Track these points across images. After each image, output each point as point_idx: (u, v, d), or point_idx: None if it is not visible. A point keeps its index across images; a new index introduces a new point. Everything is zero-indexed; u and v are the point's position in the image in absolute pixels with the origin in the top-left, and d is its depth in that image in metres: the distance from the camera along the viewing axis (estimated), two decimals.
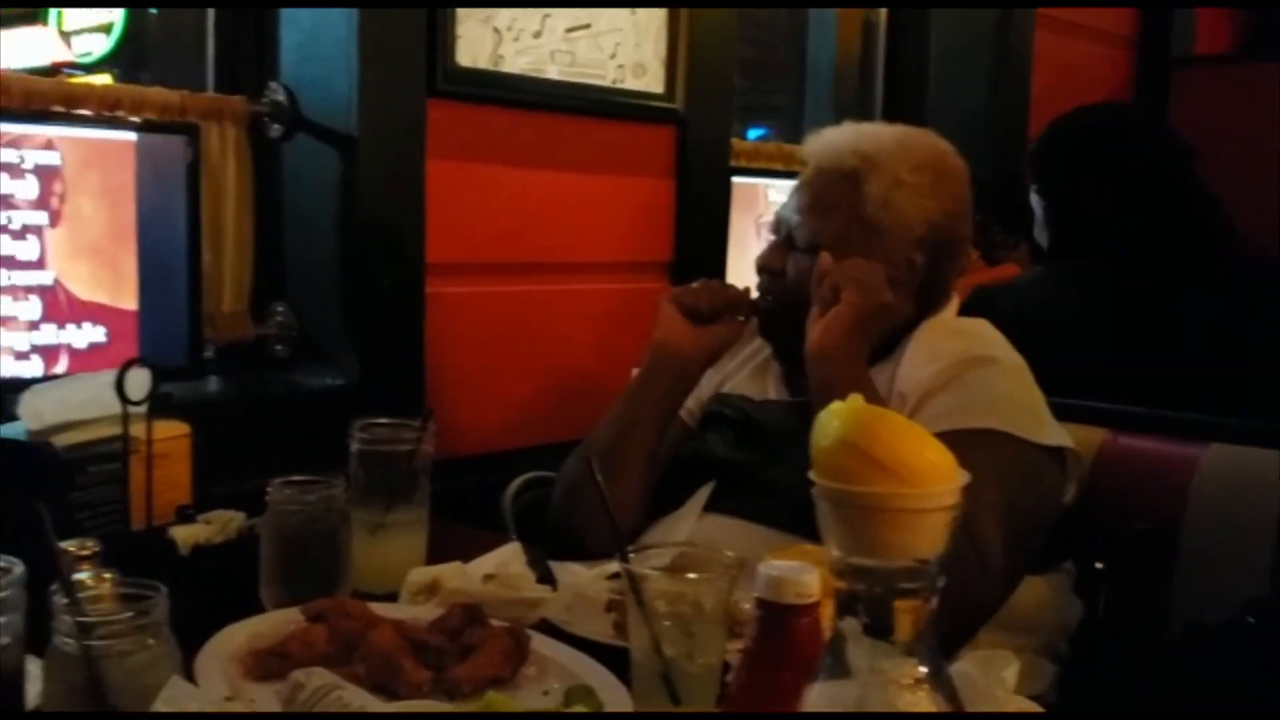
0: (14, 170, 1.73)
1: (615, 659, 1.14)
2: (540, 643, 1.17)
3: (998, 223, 2.95)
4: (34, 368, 1.78)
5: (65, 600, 0.91)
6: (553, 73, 2.29)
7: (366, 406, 1.96)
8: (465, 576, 1.34)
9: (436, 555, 1.46)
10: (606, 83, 2.37)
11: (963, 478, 0.67)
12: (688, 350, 1.64)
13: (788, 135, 3.38)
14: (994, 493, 1.36)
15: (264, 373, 2.17)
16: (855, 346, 1.51)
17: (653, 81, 2.45)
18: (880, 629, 0.67)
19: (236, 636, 1.17)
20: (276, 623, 1.19)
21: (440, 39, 2.11)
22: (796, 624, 0.80)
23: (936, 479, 0.65)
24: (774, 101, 3.93)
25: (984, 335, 1.64)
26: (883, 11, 3.58)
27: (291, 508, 1.32)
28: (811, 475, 0.67)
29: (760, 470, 1.55)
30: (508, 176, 2.26)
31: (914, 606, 0.66)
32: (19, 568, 0.85)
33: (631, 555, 1.08)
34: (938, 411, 1.47)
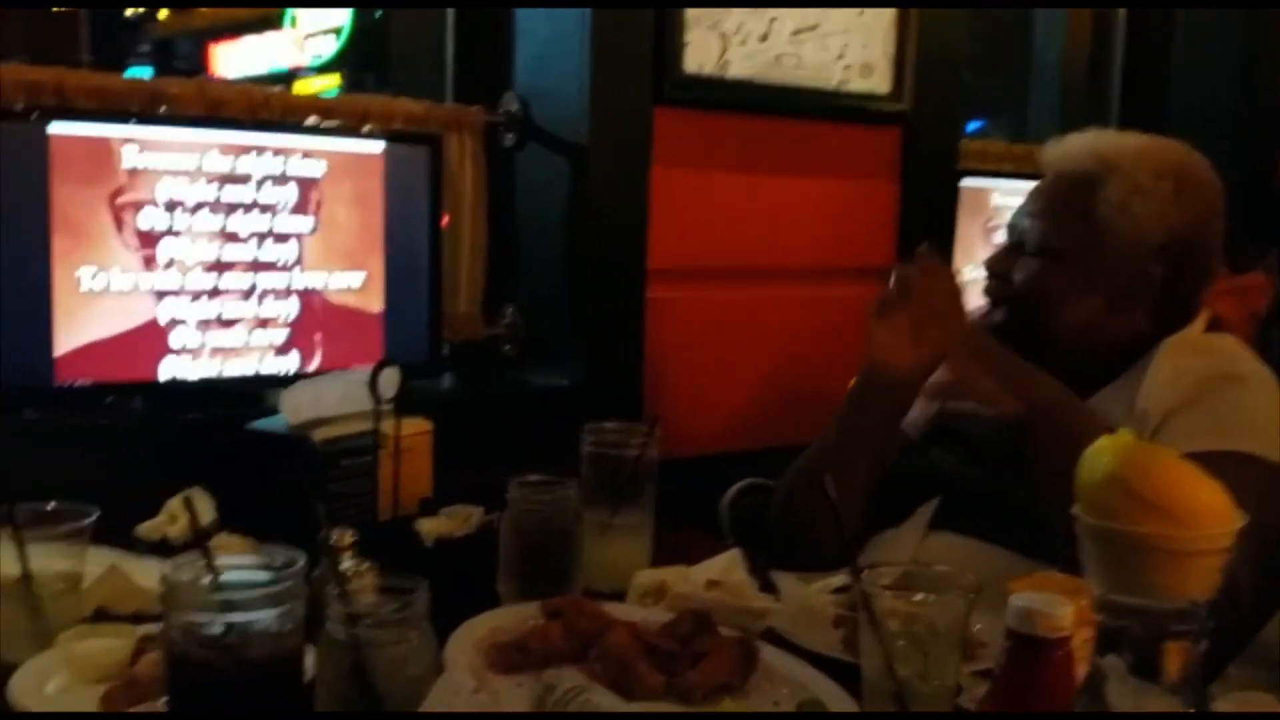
0: (278, 179, 1.86)
1: (841, 674, 1.15)
2: (768, 653, 1.18)
3: (1242, 229, 2.77)
4: (290, 364, 1.91)
5: (335, 590, 0.98)
6: (778, 76, 2.29)
7: (590, 407, 2.03)
8: (689, 581, 1.36)
9: (657, 557, 1.49)
10: (832, 84, 2.36)
11: (1239, 520, 0.64)
12: (902, 372, 1.57)
13: (1008, 130, 3.27)
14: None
15: (493, 371, 2.26)
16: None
17: (879, 82, 2.42)
18: (1146, 669, 0.65)
19: (479, 628, 1.23)
20: (516, 617, 1.25)
21: (668, 46, 2.14)
22: (1048, 657, 0.78)
23: (1212, 521, 0.63)
24: (993, 94, 3.81)
25: (1232, 351, 1.55)
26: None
27: (529, 506, 1.37)
28: (1075, 510, 0.66)
29: (993, 489, 1.51)
30: (729, 182, 2.28)
31: (1184, 648, 0.64)
32: (301, 559, 0.92)
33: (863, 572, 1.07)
34: (1182, 432, 1.40)
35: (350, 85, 7.21)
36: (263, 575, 0.91)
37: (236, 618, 0.88)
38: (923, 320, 1.54)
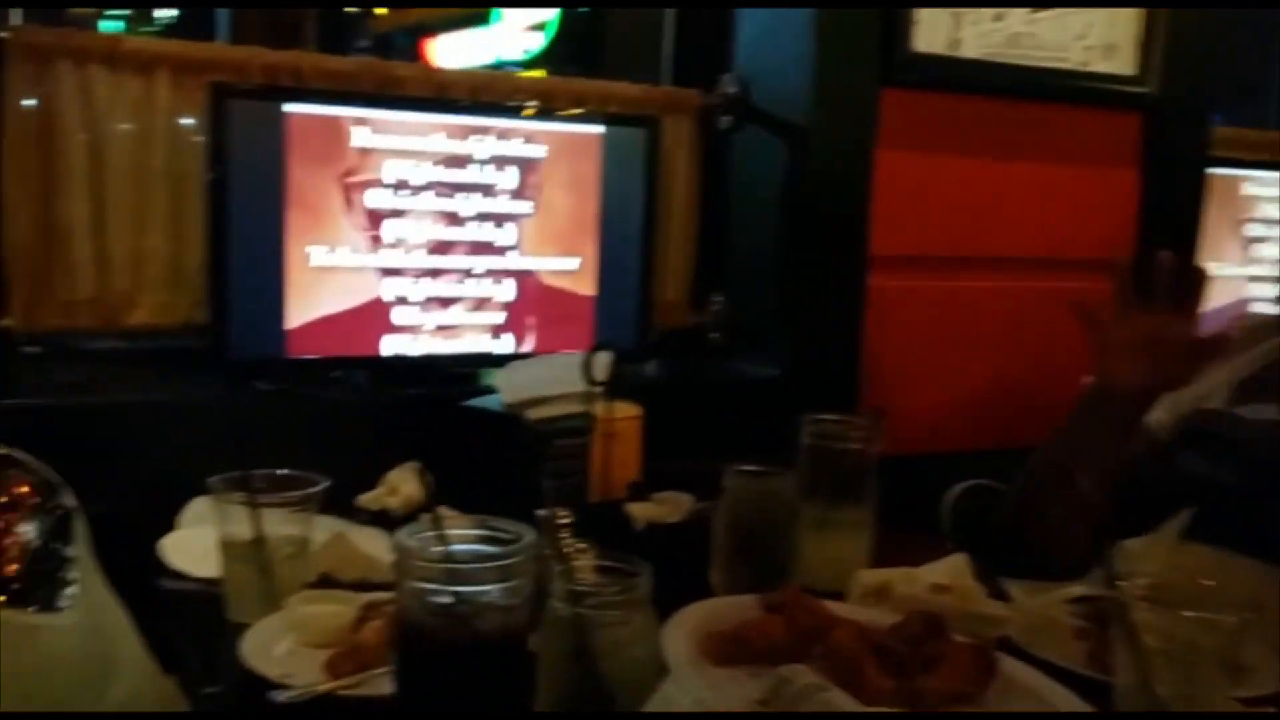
0: (499, 161, 1.87)
1: (1084, 689, 1.06)
2: (1006, 662, 1.10)
3: None
4: (505, 345, 1.92)
5: (559, 568, 0.96)
6: (1014, 56, 2.17)
7: (799, 398, 1.97)
8: (914, 583, 1.29)
9: (875, 556, 1.42)
10: (1071, 65, 2.22)
11: None
12: (1133, 393, 1.43)
13: (1254, 117, 3.02)
14: None
15: (699, 359, 2.23)
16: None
17: (1123, 63, 2.27)
18: None
19: (693, 617, 1.19)
20: (732, 608, 1.20)
21: (898, 25, 2.06)
22: None
23: None
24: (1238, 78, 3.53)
25: None
26: None
27: (745, 496, 1.32)
28: None
29: (1255, 497, 1.38)
30: (958, 166, 2.18)
31: None
32: (529, 535, 0.91)
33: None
34: None
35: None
36: (491, 549, 0.90)
37: (465, 589, 0.87)
38: (1156, 356, 1.39)
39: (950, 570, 1.31)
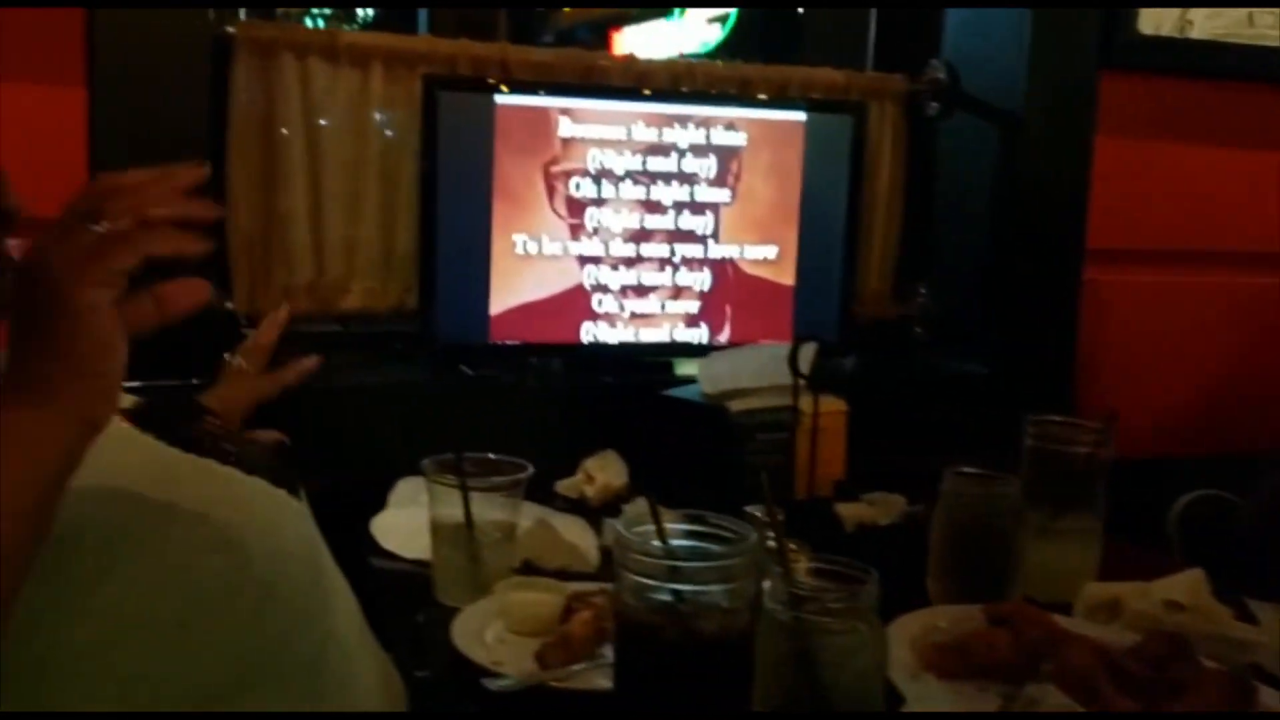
0: (699, 150, 1.85)
1: None
2: (1265, 693, 1.01)
3: None
4: (701, 334, 1.90)
5: (778, 570, 0.92)
6: (1249, 36, 2.01)
7: (1007, 398, 1.88)
8: (1148, 600, 1.21)
9: (1102, 568, 1.34)
10: None
11: None
12: None
13: None
14: None
15: (901, 353, 2.15)
16: None
17: None
18: None
19: (912, 625, 1.15)
20: (954, 618, 1.15)
21: (1120, 6, 1.94)
22: None
23: None
24: None
25: None
26: None
27: (966, 500, 1.26)
28: None
29: None
30: (1186, 154, 2.04)
31: None
32: (752, 536, 0.88)
33: None
34: None
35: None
36: (713, 547, 0.87)
37: (686, 588, 0.84)
38: None
39: (1187, 587, 1.22)
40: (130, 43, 1.57)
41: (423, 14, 5.87)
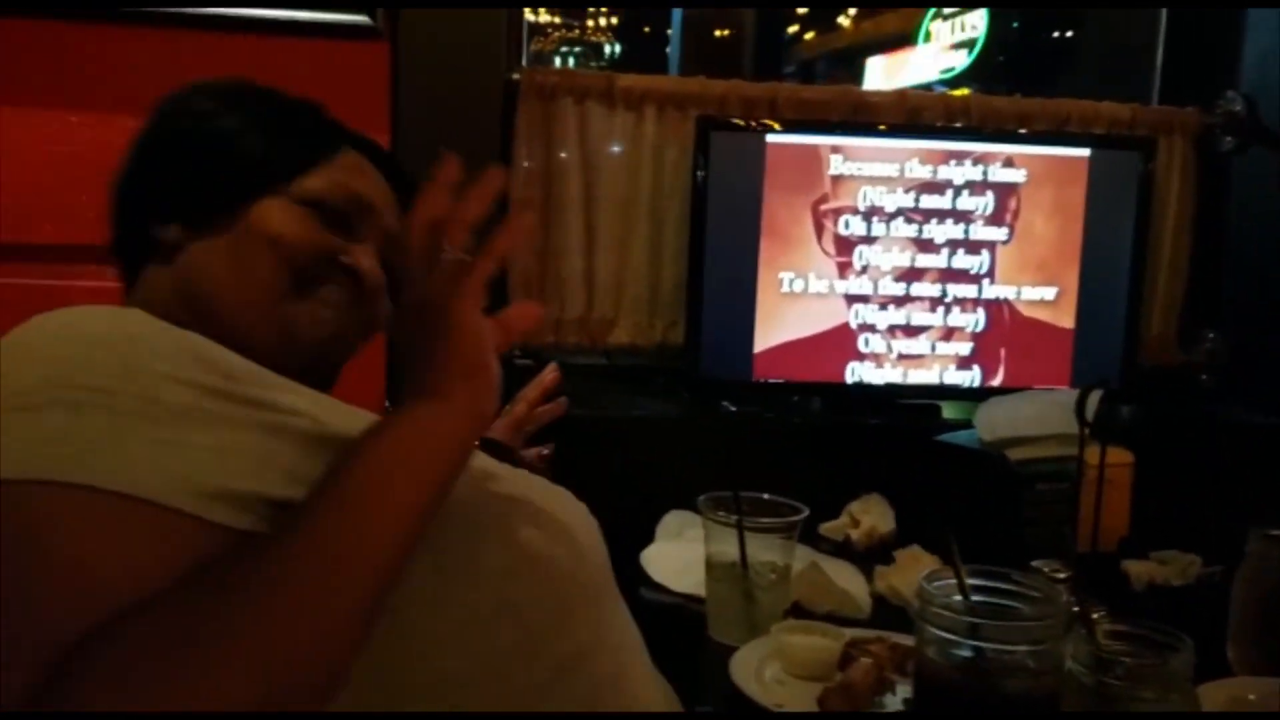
0: (975, 187, 1.80)
1: None
2: None
3: None
4: (973, 377, 1.84)
5: (1082, 630, 0.88)
6: None
7: None
8: None
9: None
10: None
11: None
12: None
13: None
14: None
15: (1188, 402, 2.03)
16: None
17: None
18: None
19: (1217, 695, 1.07)
20: (1262, 691, 1.07)
21: None
22: None
23: None
24: None
25: None
26: None
27: (1274, 564, 1.17)
28: None
29: None
30: None
31: None
32: (1060, 597, 0.84)
33: None
34: None
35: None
36: (1018, 606, 0.84)
37: (988, 646, 0.82)
38: None
39: None
40: (429, 90, 1.67)
41: (674, 51, 6.02)
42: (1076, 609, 0.92)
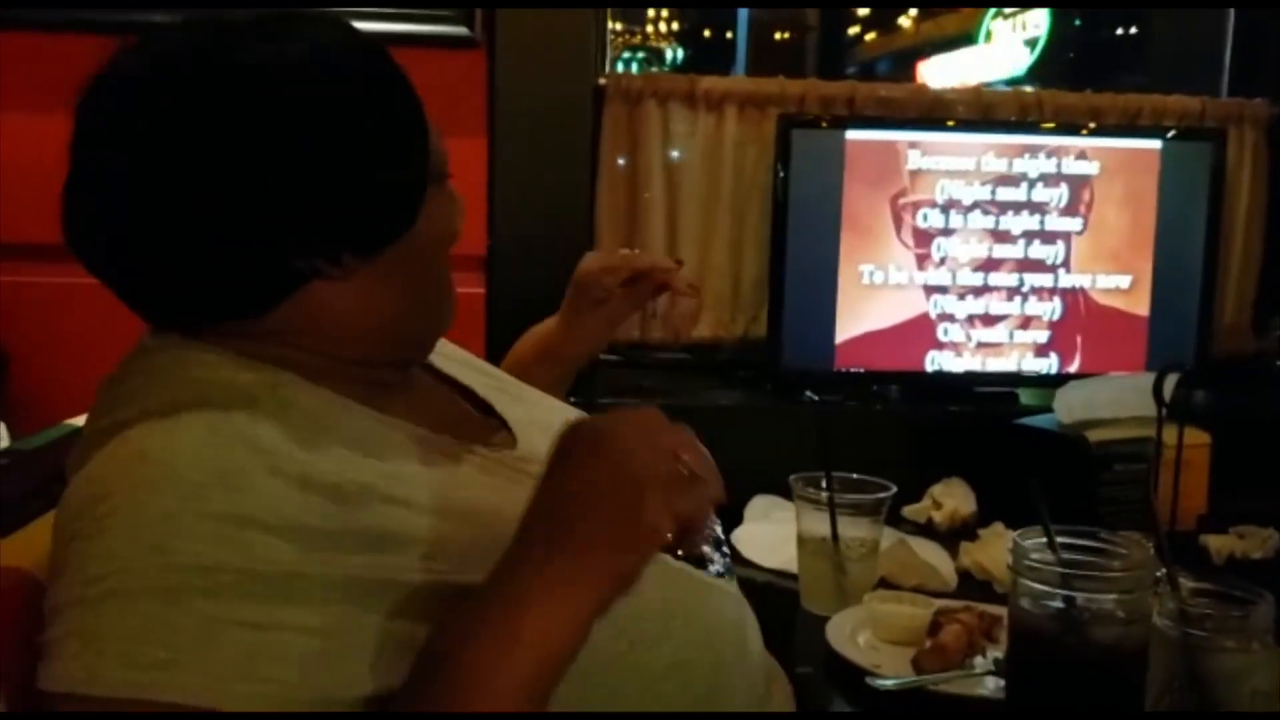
0: (1050, 179, 1.86)
1: None
2: None
3: None
4: (1049, 364, 1.89)
5: (1168, 586, 0.94)
6: None
7: None
8: None
9: None
10: None
11: None
12: None
13: None
14: None
15: (1262, 387, 2.05)
16: None
17: None
18: None
19: None
20: None
21: None
22: None
23: None
24: None
25: None
26: None
27: None
28: None
29: None
30: None
31: None
32: (1147, 550, 0.90)
33: None
34: None
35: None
36: (1105, 561, 0.91)
37: (1079, 595, 0.88)
38: None
39: None
40: (523, 95, 1.76)
41: (740, 56, 6.10)
42: (1162, 570, 0.98)
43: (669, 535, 0.71)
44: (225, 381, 0.78)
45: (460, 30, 1.71)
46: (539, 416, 1.01)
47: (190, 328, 0.82)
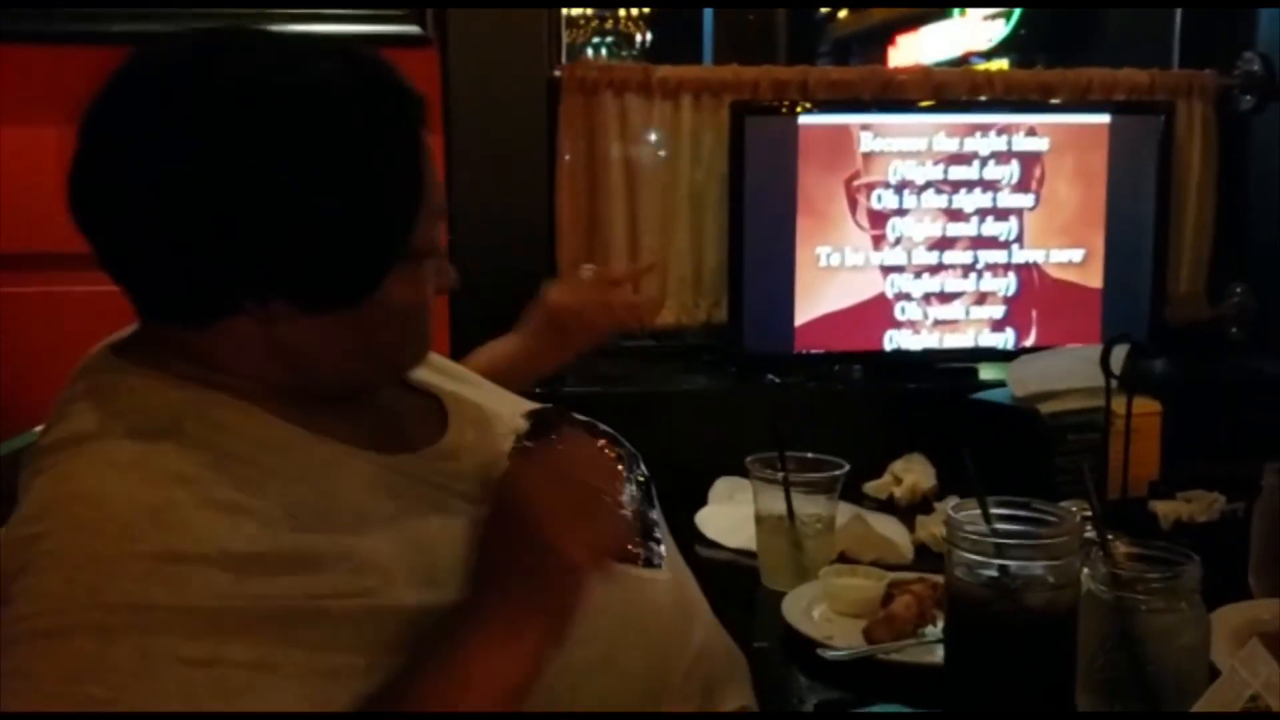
0: (1001, 157, 1.89)
1: None
2: None
3: None
4: (1006, 339, 1.92)
5: (1100, 552, 0.97)
6: None
7: None
8: None
9: None
10: None
11: None
12: None
13: None
14: None
15: (1216, 355, 2.09)
16: None
17: None
18: None
19: (1234, 617, 1.15)
20: (1275, 612, 1.15)
21: None
22: None
23: None
24: None
25: None
26: None
27: None
28: None
29: None
30: None
31: None
32: (1073, 518, 0.93)
33: None
34: None
35: (1020, 66, 7.20)
36: (1036, 530, 0.94)
37: (1011, 563, 0.91)
38: None
39: None
40: (477, 91, 1.78)
41: (707, 37, 6.10)
42: (1095, 537, 1.01)
43: (588, 564, 0.79)
44: (155, 408, 0.79)
45: (412, 29, 1.73)
46: (483, 401, 1.03)
47: (150, 318, 0.85)
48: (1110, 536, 1.10)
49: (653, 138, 1.98)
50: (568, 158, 1.93)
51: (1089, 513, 1.25)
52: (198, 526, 0.73)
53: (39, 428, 1.16)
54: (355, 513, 0.81)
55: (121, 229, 0.80)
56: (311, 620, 0.74)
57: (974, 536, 0.92)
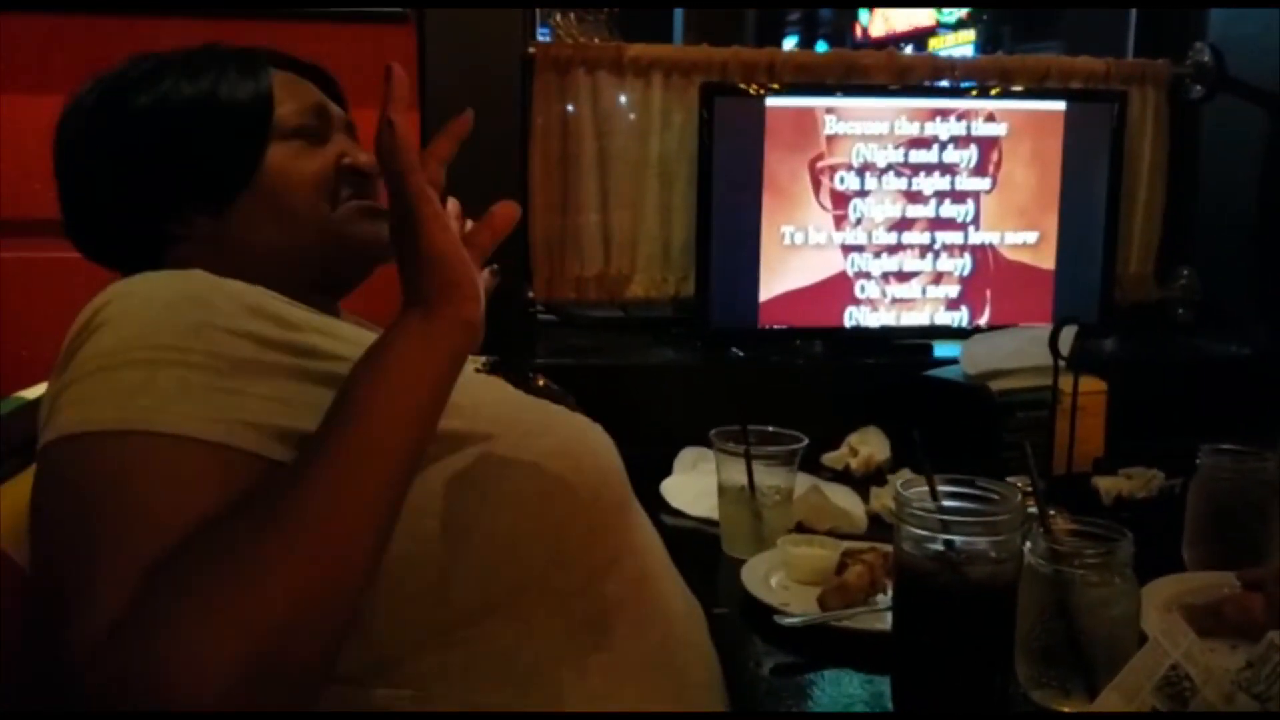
0: (960, 141, 1.95)
1: None
2: None
3: None
4: (961, 318, 1.99)
5: (1041, 528, 1.04)
6: None
7: (1272, 380, 1.88)
8: None
9: None
10: None
11: None
12: None
13: None
14: None
15: (1164, 335, 2.18)
16: None
17: None
18: None
19: (1166, 589, 1.23)
20: (1206, 583, 1.23)
21: None
22: None
23: None
24: None
25: None
26: None
27: (1223, 474, 1.33)
28: None
29: None
30: None
31: None
32: (1016, 496, 1.00)
33: None
34: None
35: (986, 39, 7.30)
36: (981, 506, 1.00)
37: (956, 538, 0.98)
38: None
39: None
40: (453, 68, 1.82)
41: (677, 13, 6.10)
42: (1036, 513, 1.08)
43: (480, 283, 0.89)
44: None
45: (391, 8, 1.76)
46: None
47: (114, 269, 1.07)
48: (1051, 513, 1.18)
49: (624, 116, 2.02)
50: (540, 132, 1.97)
51: (1031, 489, 1.33)
52: (227, 313, 0.88)
53: (22, 392, 1.20)
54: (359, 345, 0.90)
55: (69, 189, 1.07)
56: (319, 381, 0.87)
57: (921, 513, 0.99)
